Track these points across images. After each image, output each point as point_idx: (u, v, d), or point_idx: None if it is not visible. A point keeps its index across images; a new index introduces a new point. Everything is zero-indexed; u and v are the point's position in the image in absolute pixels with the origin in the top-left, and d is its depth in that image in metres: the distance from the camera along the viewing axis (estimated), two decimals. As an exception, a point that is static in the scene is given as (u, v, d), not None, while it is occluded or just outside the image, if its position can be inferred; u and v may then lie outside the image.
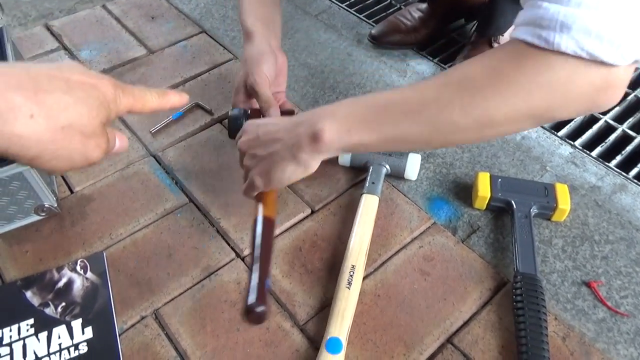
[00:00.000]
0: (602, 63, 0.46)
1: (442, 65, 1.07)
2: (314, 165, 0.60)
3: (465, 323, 0.66)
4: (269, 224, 0.63)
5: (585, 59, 0.46)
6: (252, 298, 0.55)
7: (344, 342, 0.61)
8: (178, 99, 0.51)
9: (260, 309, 0.54)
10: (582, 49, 0.46)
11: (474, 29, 1.09)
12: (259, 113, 0.75)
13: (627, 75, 0.49)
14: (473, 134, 0.55)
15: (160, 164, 0.86)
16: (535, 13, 0.48)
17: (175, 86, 1.00)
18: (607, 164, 0.87)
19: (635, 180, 0.84)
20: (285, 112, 0.77)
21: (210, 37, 1.12)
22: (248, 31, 0.77)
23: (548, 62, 0.48)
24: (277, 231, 0.75)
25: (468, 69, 0.54)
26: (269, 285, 0.58)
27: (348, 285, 0.66)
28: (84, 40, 1.12)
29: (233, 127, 0.75)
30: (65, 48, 1.10)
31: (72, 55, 1.08)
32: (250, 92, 0.74)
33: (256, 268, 0.58)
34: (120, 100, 0.43)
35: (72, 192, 0.82)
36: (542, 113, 0.52)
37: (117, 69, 1.05)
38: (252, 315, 0.54)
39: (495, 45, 1.00)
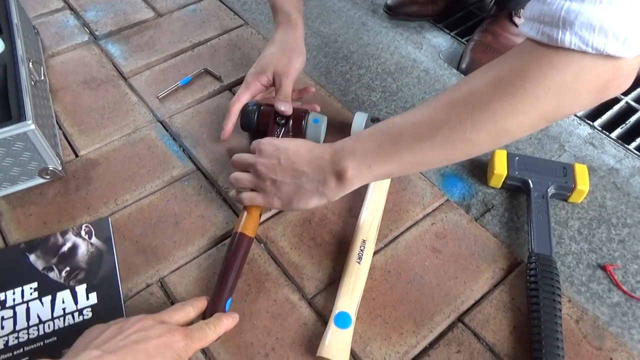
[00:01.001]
0: (609, 56, 0.45)
1: (459, 38, 1.04)
2: (337, 198, 0.62)
3: (477, 302, 0.64)
4: (242, 241, 0.64)
5: (591, 53, 0.45)
6: (204, 318, 0.58)
7: (353, 317, 0.60)
8: (231, 322, 0.58)
9: None
10: (587, 44, 0.44)
11: (493, 2, 1.05)
12: (272, 108, 0.77)
13: (637, 63, 0.47)
14: (490, 145, 0.55)
15: (167, 130, 0.83)
16: (540, 8, 0.47)
17: (183, 51, 0.97)
18: (626, 146, 0.85)
19: (655, 164, 0.82)
20: (298, 112, 0.77)
21: (221, 1, 1.08)
22: (286, 14, 0.79)
23: (553, 62, 0.47)
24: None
25: (473, 84, 0.53)
26: (228, 307, 0.60)
27: (358, 260, 0.64)
28: (89, 0, 1.08)
29: (246, 120, 0.78)
30: (70, 8, 1.07)
31: (78, 16, 1.04)
32: (275, 79, 0.76)
33: (218, 286, 0.61)
34: (190, 347, 0.51)
35: (77, 155, 0.80)
36: (554, 114, 0.51)
37: (124, 31, 1.01)
38: None
39: (516, 19, 0.97)
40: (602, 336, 0.61)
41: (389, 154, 0.57)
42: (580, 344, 0.60)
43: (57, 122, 0.84)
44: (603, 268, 0.68)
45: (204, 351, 0.60)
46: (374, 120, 0.79)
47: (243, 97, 0.77)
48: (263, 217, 0.72)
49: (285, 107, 0.75)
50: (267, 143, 0.66)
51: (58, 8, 1.06)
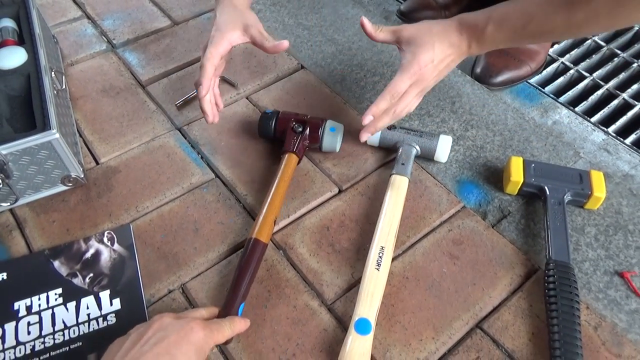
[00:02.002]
0: None
1: (473, 45, 1.04)
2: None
3: (495, 309, 0.65)
4: (257, 246, 0.66)
5: None
6: None
7: (373, 323, 0.61)
8: (243, 325, 0.60)
9: None
10: None
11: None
12: (290, 116, 0.79)
13: None
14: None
15: (185, 138, 0.85)
16: None
17: (199, 59, 0.98)
18: (641, 152, 0.85)
19: (671, 170, 0.82)
20: (315, 120, 0.79)
21: (235, 9, 1.10)
22: None
23: None
24: (305, 209, 0.75)
25: None
26: (241, 310, 0.62)
27: (377, 267, 0.65)
28: (106, 9, 1.10)
29: (264, 127, 0.80)
30: (88, 17, 1.09)
31: (95, 24, 1.06)
32: (248, 31, 0.74)
33: (232, 290, 0.63)
34: (210, 337, 0.53)
35: (97, 163, 0.81)
36: None
37: (141, 39, 1.03)
38: None
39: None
40: (620, 343, 0.62)
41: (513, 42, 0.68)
42: (599, 351, 0.61)
43: (77, 130, 0.85)
44: (620, 275, 0.68)
45: (225, 356, 0.61)
46: (390, 127, 0.80)
47: (215, 54, 0.73)
48: (281, 224, 0.73)
49: (284, 44, 0.72)
50: None
51: (76, 17, 1.08)
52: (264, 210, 0.69)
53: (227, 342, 0.60)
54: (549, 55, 1.03)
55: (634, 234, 0.72)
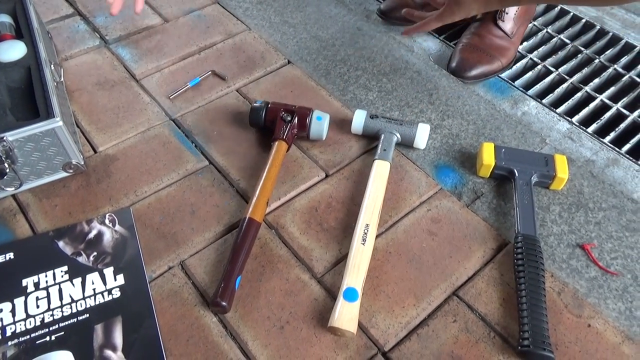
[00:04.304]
0: None
1: (448, 42, 1.11)
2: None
3: (470, 278, 0.71)
4: (251, 225, 0.71)
5: None
6: (217, 292, 0.65)
7: (360, 292, 0.66)
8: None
9: (222, 302, 0.64)
10: None
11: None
12: (279, 106, 0.85)
13: None
14: None
15: (179, 128, 0.89)
16: None
17: (191, 54, 1.03)
18: (601, 139, 0.93)
19: (628, 155, 0.90)
20: (303, 110, 0.84)
21: (224, 8, 1.15)
22: None
23: None
24: (294, 192, 0.80)
25: None
26: (238, 283, 0.67)
27: (363, 242, 0.71)
28: (98, 6, 1.13)
29: (254, 117, 0.85)
30: (80, 14, 1.12)
31: (87, 21, 1.10)
32: None
33: (229, 264, 0.67)
34: None
35: (95, 151, 0.85)
36: None
37: (133, 36, 1.07)
38: (215, 306, 0.65)
39: (500, 22, 1.05)
40: (581, 305, 0.69)
41: None
42: (562, 313, 0.68)
43: (75, 121, 0.89)
44: (581, 247, 0.75)
45: (224, 325, 0.66)
46: (372, 117, 0.86)
47: None
48: (273, 206, 0.78)
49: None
50: None
51: (68, 14, 1.12)
52: (257, 192, 0.74)
53: (225, 312, 0.65)
54: (518, 51, 1.10)
55: (594, 211, 0.80)
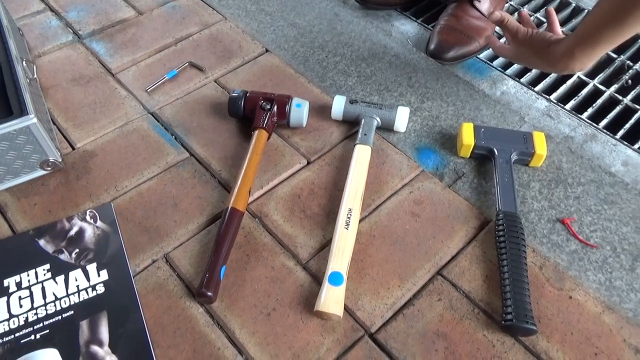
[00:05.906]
0: None
1: (426, 25, 1.11)
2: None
3: (453, 257, 0.72)
4: (234, 215, 0.71)
5: None
6: (202, 283, 0.65)
7: (345, 276, 0.67)
8: None
9: (208, 293, 0.64)
10: None
11: (455, -11, 1.12)
12: (258, 95, 0.85)
13: None
14: None
15: (158, 121, 0.88)
16: None
17: (167, 46, 1.02)
18: (579, 115, 0.94)
19: (605, 131, 0.91)
20: (282, 97, 0.84)
21: (199, -2, 1.13)
22: None
23: None
24: (277, 180, 0.80)
25: None
26: (223, 273, 0.67)
27: (346, 226, 0.71)
28: (70, 1, 1.11)
29: (233, 107, 0.85)
30: (51, 9, 1.10)
31: (60, 17, 1.08)
32: None
33: (213, 255, 0.67)
34: None
35: (73, 148, 0.84)
36: None
37: (107, 29, 1.05)
38: (200, 296, 0.65)
39: (476, 2, 1.05)
40: (562, 279, 0.70)
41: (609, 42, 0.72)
42: (544, 287, 0.69)
43: (50, 118, 0.87)
44: (561, 222, 0.76)
45: (210, 314, 0.66)
46: (352, 102, 0.86)
47: None
48: (255, 195, 0.78)
49: None
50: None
51: (39, 10, 1.09)
52: (239, 182, 0.74)
53: (210, 302, 0.65)
54: (496, 32, 1.10)
55: (573, 186, 0.81)
